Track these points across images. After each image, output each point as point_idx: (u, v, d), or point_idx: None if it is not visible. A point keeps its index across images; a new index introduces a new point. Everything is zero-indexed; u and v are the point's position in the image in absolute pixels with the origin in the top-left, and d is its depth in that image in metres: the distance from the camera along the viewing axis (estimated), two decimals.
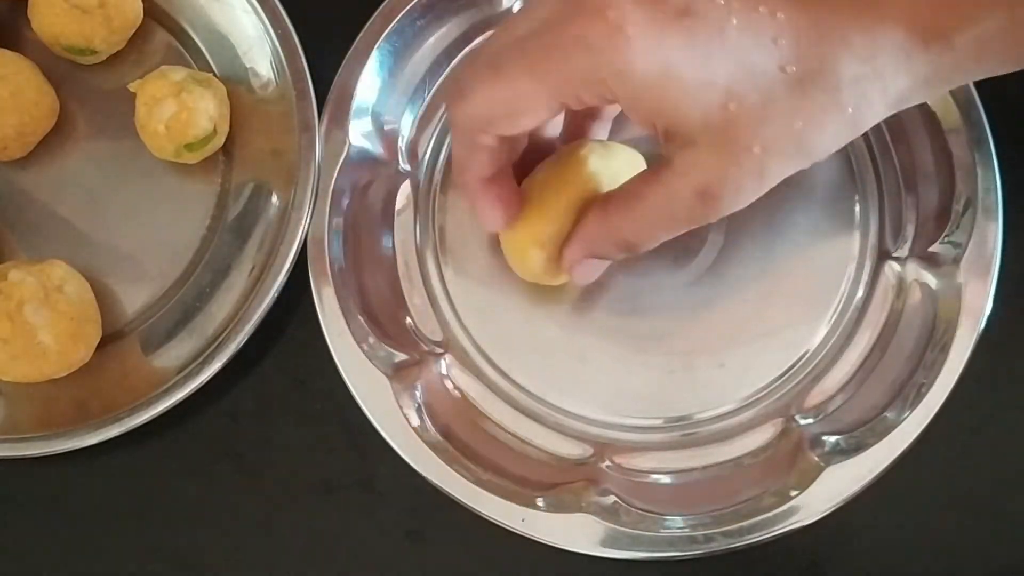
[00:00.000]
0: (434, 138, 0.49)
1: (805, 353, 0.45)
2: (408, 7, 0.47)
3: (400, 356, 0.45)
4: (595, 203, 0.40)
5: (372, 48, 0.47)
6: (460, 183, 0.41)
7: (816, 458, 0.43)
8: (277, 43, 0.47)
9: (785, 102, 0.34)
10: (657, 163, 0.37)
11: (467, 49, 0.49)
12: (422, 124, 0.49)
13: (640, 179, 0.38)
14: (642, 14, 0.33)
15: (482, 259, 0.47)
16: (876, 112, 0.35)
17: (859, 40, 0.34)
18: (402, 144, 0.49)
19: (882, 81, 0.35)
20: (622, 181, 0.40)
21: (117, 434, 0.43)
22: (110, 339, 0.46)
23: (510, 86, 0.36)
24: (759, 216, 0.46)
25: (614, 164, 0.42)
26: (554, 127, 0.43)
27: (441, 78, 0.49)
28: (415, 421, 0.44)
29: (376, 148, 0.48)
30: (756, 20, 0.34)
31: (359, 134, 0.47)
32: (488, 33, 0.49)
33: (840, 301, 0.46)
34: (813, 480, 0.42)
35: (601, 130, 0.43)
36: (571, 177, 0.41)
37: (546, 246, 0.41)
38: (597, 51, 0.34)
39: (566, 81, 0.35)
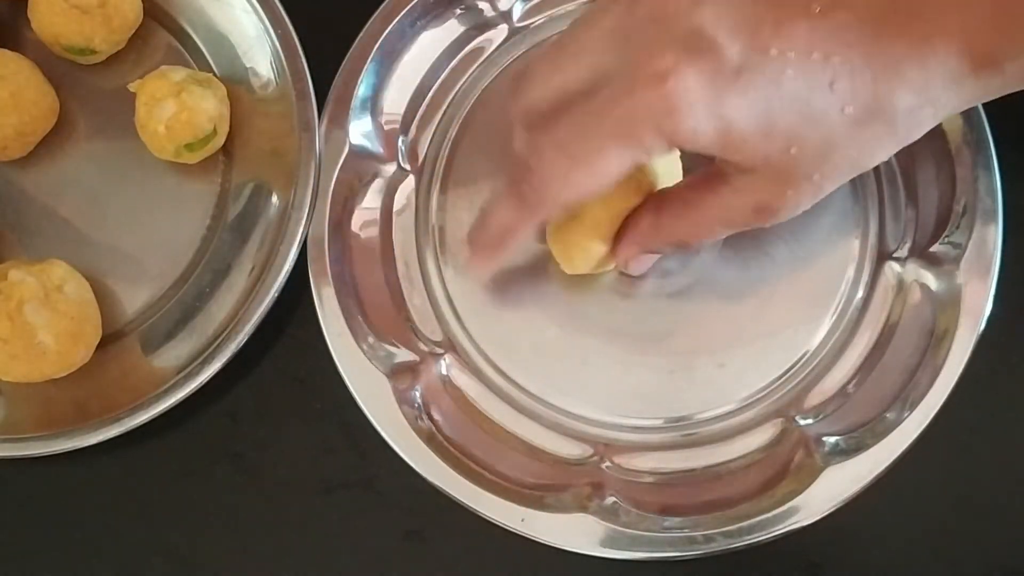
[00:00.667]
0: (434, 138, 0.49)
1: (805, 353, 0.45)
2: (408, 7, 0.47)
3: (400, 356, 0.45)
4: (648, 204, 0.41)
5: (372, 48, 0.47)
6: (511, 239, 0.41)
7: (816, 458, 0.43)
8: (277, 43, 0.47)
9: (844, 139, 0.35)
10: (711, 173, 0.38)
11: (467, 49, 0.49)
12: (422, 124, 0.49)
13: (695, 187, 0.39)
14: (700, 79, 0.34)
15: None
16: (925, 128, 0.37)
17: (913, 73, 0.35)
18: (402, 144, 0.49)
19: (933, 106, 0.36)
20: (669, 173, 0.41)
21: (117, 434, 0.43)
22: (110, 339, 0.46)
23: (592, 173, 0.37)
24: None
25: (661, 160, 0.42)
26: None
27: (442, 78, 0.49)
28: (415, 421, 0.44)
29: (376, 148, 0.48)
30: (810, 67, 0.34)
31: (359, 134, 0.47)
32: (488, 33, 0.49)
33: (840, 301, 0.46)
34: (813, 480, 0.42)
35: None
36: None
37: (607, 240, 0.42)
38: (663, 117, 0.35)
39: (637, 149, 0.36)
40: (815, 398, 0.45)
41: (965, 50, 0.34)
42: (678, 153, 0.43)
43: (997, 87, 0.36)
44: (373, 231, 0.47)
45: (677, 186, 0.41)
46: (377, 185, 0.48)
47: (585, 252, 0.43)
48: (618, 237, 0.42)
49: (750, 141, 0.35)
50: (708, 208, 0.39)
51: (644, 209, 0.41)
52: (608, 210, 0.41)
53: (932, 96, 0.35)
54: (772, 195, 0.37)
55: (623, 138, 0.35)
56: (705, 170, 0.39)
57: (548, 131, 0.38)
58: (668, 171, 0.42)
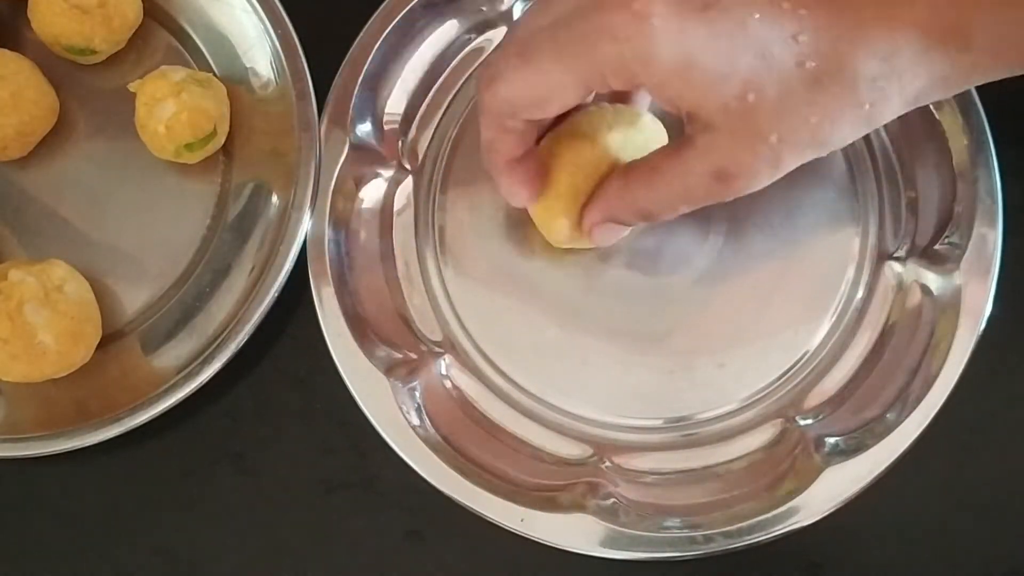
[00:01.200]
0: (434, 138, 0.49)
1: (805, 354, 0.45)
2: (408, 7, 0.47)
3: (400, 356, 0.45)
4: (619, 170, 0.41)
5: (372, 48, 0.47)
6: (487, 164, 0.42)
7: (816, 459, 0.43)
8: (277, 43, 0.47)
9: (802, 96, 0.35)
10: (680, 140, 0.38)
11: (467, 49, 0.49)
12: (422, 124, 0.49)
13: (662, 154, 0.39)
14: (667, 6, 0.34)
15: (482, 259, 0.47)
16: (893, 108, 0.36)
17: (879, 38, 0.35)
18: (402, 144, 0.49)
19: (900, 79, 0.35)
20: (645, 152, 0.41)
21: (117, 434, 0.43)
22: (110, 339, 0.46)
23: (540, 74, 0.37)
24: (759, 217, 0.47)
25: (639, 138, 0.42)
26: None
27: (442, 78, 0.49)
28: (415, 421, 0.44)
29: (376, 148, 0.48)
30: (778, 15, 0.35)
31: (359, 134, 0.47)
32: (488, 33, 0.49)
33: (840, 302, 0.46)
34: (813, 480, 0.42)
35: (641, 101, 0.44)
36: (597, 151, 0.42)
37: (572, 216, 0.42)
38: (623, 40, 0.35)
39: (594, 68, 0.36)
40: (815, 398, 0.45)
41: (933, 19, 0.34)
42: (664, 133, 0.43)
43: (968, 64, 0.35)
44: (373, 231, 0.47)
45: (649, 154, 0.40)
46: (377, 185, 0.48)
47: (564, 223, 0.43)
48: (586, 204, 0.42)
49: (708, 80, 0.35)
50: (673, 175, 0.38)
51: (614, 175, 0.41)
52: (588, 182, 0.42)
53: (898, 67, 0.35)
54: (730, 159, 0.36)
55: (580, 55, 0.36)
56: (676, 140, 0.39)
57: (514, 31, 0.39)
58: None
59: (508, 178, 0.41)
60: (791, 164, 0.37)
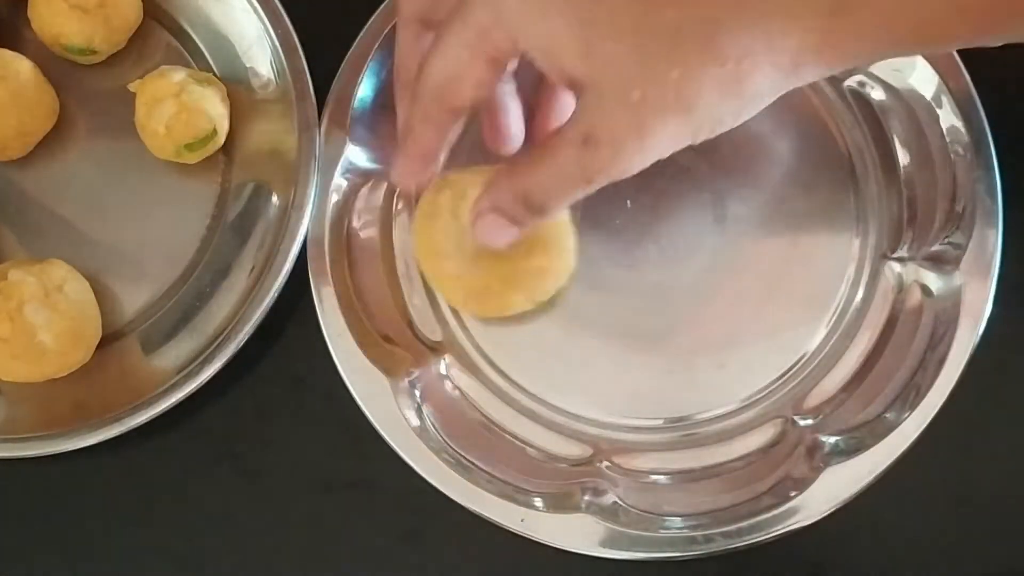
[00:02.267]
0: None
1: (805, 354, 0.45)
2: None
3: (400, 356, 0.45)
4: (507, 160, 0.40)
5: (372, 48, 0.47)
6: (403, 148, 0.41)
7: (816, 458, 0.43)
8: (277, 43, 0.47)
9: (664, 51, 0.34)
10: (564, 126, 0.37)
11: None
12: None
13: (549, 137, 0.38)
14: None
15: None
16: (765, 74, 0.34)
17: (740, 14, 0.33)
18: None
19: (767, 38, 0.34)
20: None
21: (117, 434, 0.43)
22: (110, 339, 0.46)
23: (446, 51, 0.37)
24: (758, 217, 0.47)
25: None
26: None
27: None
28: (414, 421, 0.44)
29: (376, 148, 0.48)
30: None
31: (359, 134, 0.47)
32: None
33: (840, 302, 0.46)
34: (813, 480, 0.42)
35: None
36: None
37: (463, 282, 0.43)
38: (493, 3, 0.35)
39: (479, 37, 0.36)
40: (815, 398, 0.45)
41: None
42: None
43: (846, 33, 0.34)
44: (373, 231, 0.47)
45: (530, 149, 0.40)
46: (377, 185, 0.48)
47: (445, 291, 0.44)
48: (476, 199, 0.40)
49: (569, 33, 0.34)
50: (552, 150, 0.37)
51: (503, 165, 0.40)
52: (457, 255, 0.43)
53: (763, 24, 0.33)
54: (595, 120, 0.35)
55: (467, 25, 0.36)
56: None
57: None
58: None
59: (405, 161, 0.41)
60: (657, 132, 0.35)
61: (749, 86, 0.34)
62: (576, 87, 0.36)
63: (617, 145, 0.35)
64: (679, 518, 0.43)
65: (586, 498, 0.43)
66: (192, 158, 0.46)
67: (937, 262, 0.45)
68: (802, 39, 0.34)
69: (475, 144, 0.49)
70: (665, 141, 0.35)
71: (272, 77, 0.47)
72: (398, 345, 0.46)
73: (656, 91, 0.34)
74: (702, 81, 0.34)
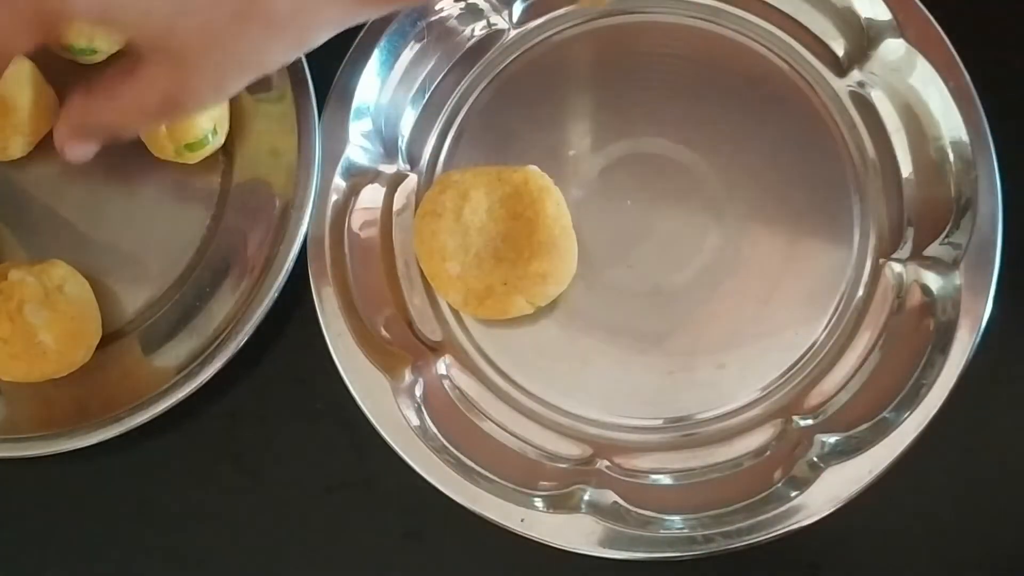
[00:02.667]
0: (434, 138, 0.49)
1: (805, 354, 0.45)
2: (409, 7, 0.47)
3: (400, 356, 0.45)
4: (80, 84, 0.40)
5: (372, 48, 0.47)
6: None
7: (816, 459, 0.43)
8: None
9: (227, 36, 0.35)
10: (134, 59, 0.37)
11: (467, 49, 0.49)
12: (422, 124, 0.49)
13: (119, 72, 0.39)
14: None
15: None
16: (323, 25, 0.37)
17: None
18: (402, 144, 0.49)
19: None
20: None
21: (117, 434, 0.43)
22: (110, 339, 0.46)
23: None
24: (758, 216, 0.47)
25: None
26: None
27: (440, 77, 0.49)
28: (415, 421, 0.44)
29: (376, 148, 0.48)
30: None
31: (359, 134, 0.47)
32: (488, 33, 0.49)
33: (840, 301, 0.46)
34: (813, 480, 0.42)
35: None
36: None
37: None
38: None
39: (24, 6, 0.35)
40: (815, 398, 0.45)
41: None
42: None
43: None
44: (373, 231, 0.47)
45: (109, 69, 0.39)
46: (377, 185, 0.48)
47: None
48: (57, 123, 0.41)
49: (132, 8, 0.35)
50: (129, 93, 0.38)
51: (75, 90, 0.40)
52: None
53: None
54: (174, 84, 0.37)
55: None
56: (129, 57, 0.38)
57: None
58: None
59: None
60: (233, 88, 0.38)
61: (307, 36, 0.37)
62: (146, 45, 0.36)
63: (194, 96, 0.38)
64: (679, 518, 0.43)
65: (586, 498, 0.43)
66: (192, 158, 0.46)
67: (937, 262, 0.45)
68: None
69: (476, 144, 0.49)
70: (238, 81, 0.38)
71: (272, 77, 0.47)
72: (398, 345, 0.46)
73: (224, 44, 0.36)
74: (268, 38, 0.36)
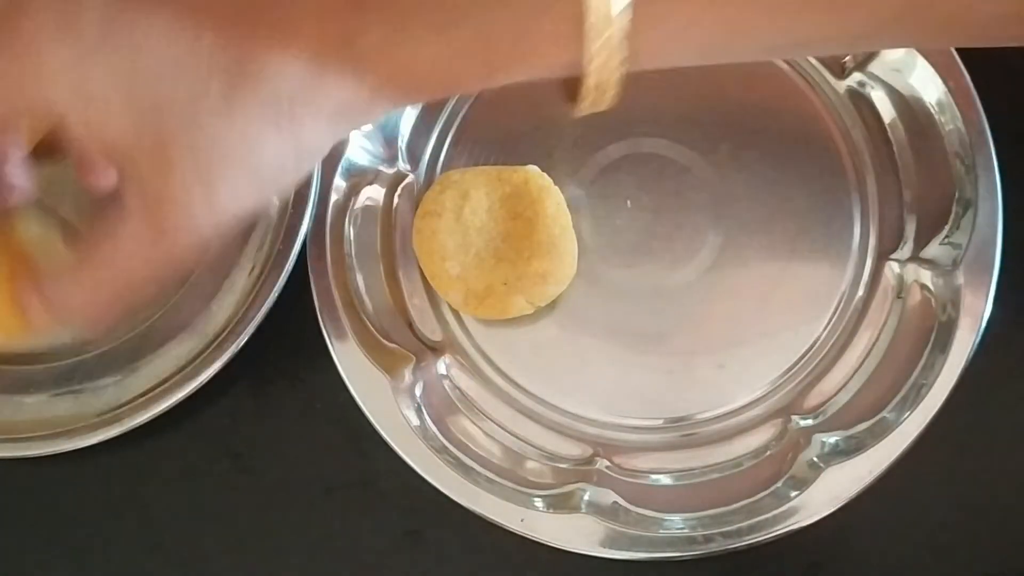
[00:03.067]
0: (434, 138, 0.49)
1: (805, 354, 0.45)
2: None
3: (400, 356, 0.45)
4: (25, 285, 0.34)
5: None
6: None
7: (816, 459, 0.43)
8: None
9: (214, 122, 0.32)
10: (116, 212, 0.33)
11: None
12: (422, 124, 0.49)
13: (103, 235, 0.33)
14: (56, 29, 0.31)
15: None
16: (319, 128, 0.33)
17: (275, 57, 0.32)
18: (402, 144, 0.49)
19: (308, 93, 0.32)
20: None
21: (117, 434, 0.43)
22: (110, 339, 0.46)
23: None
24: (758, 216, 0.47)
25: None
26: None
27: None
28: (414, 421, 0.44)
29: (376, 148, 0.48)
30: (180, 37, 0.32)
31: (359, 134, 0.47)
32: None
33: (840, 301, 0.46)
34: (813, 480, 0.42)
35: None
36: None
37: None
38: (18, 69, 0.31)
39: (14, 97, 0.32)
40: (815, 398, 0.45)
41: (322, 35, 0.32)
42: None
43: (374, 89, 0.32)
44: (373, 231, 0.47)
45: (92, 241, 0.33)
46: (377, 185, 0.48)
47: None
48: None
49: (116, 112, 0.31)
50: (123, 247, 0.33)
51: (24, 292, 0.34)
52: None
53: (303, 81, 0.32)
54: (159, 208, 0.32)
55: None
56: (98, 222, 0.33)
57: None
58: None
59: None
60: (228, 199, 0.33)
61: (307, 141, 0.33)
62: (127, 174, 0.32)
63: (188, 217, 0.32)
64: (679, 518, 0.42)
65: (586, 498, 0.43)
66: None
67: (937, 262, 0.45)
68: (341, 98, 0.33)
69: (476, 144, 0.49)
70: (235, 201, 0.33)
71: None
72: (398, 345, 0.46)
73: (218, 160, 0.32)
74: (261, 142, 0.32)
